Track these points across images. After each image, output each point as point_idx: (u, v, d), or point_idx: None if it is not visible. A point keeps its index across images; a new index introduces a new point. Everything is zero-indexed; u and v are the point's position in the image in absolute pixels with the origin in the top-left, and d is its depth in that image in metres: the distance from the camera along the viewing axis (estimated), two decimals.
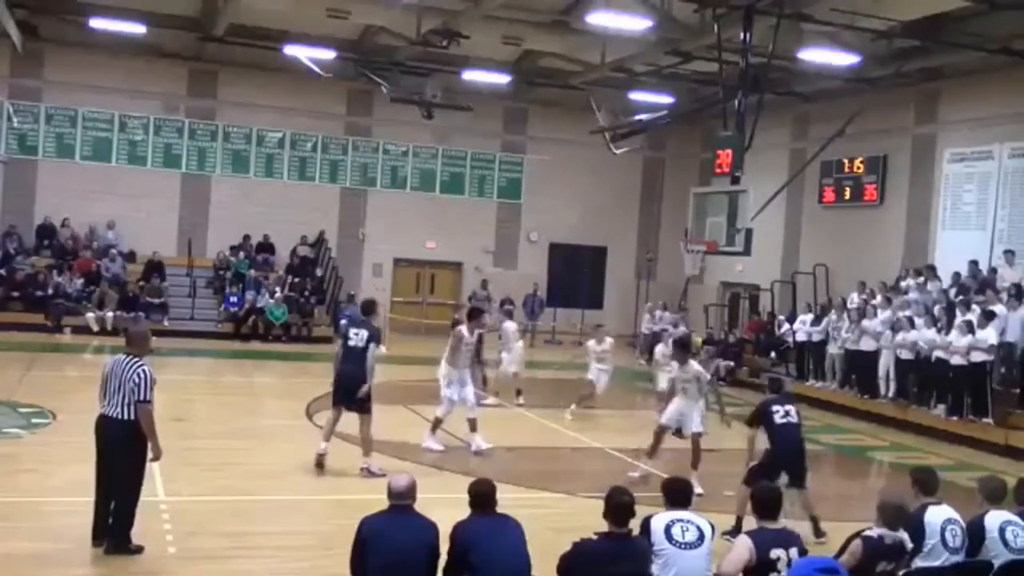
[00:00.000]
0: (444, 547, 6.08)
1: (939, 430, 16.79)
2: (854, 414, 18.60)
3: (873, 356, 18.63)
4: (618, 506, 5.98)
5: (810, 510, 9.81)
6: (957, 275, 19.59)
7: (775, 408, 9.93)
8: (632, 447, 13.30)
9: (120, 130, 26.64)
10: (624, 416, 16.85)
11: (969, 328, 16.18)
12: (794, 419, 9.88)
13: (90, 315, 23.38)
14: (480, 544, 5.98)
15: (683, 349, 12.42)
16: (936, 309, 18.14)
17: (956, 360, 16.38)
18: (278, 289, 25.52)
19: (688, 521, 6.20)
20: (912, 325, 17.60)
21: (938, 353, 16.81)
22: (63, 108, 26.15)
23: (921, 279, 19.81)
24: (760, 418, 9.91)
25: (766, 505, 6.34)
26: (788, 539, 6.12)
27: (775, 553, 5.94)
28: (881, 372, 18.46)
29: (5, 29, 22.33)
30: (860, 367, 19.05)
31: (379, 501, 10.49)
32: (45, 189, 25.93)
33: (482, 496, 6.33)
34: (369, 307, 12.00)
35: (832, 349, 20.08)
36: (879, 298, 19.38)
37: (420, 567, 5.97)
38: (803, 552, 6.03)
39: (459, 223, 29.13)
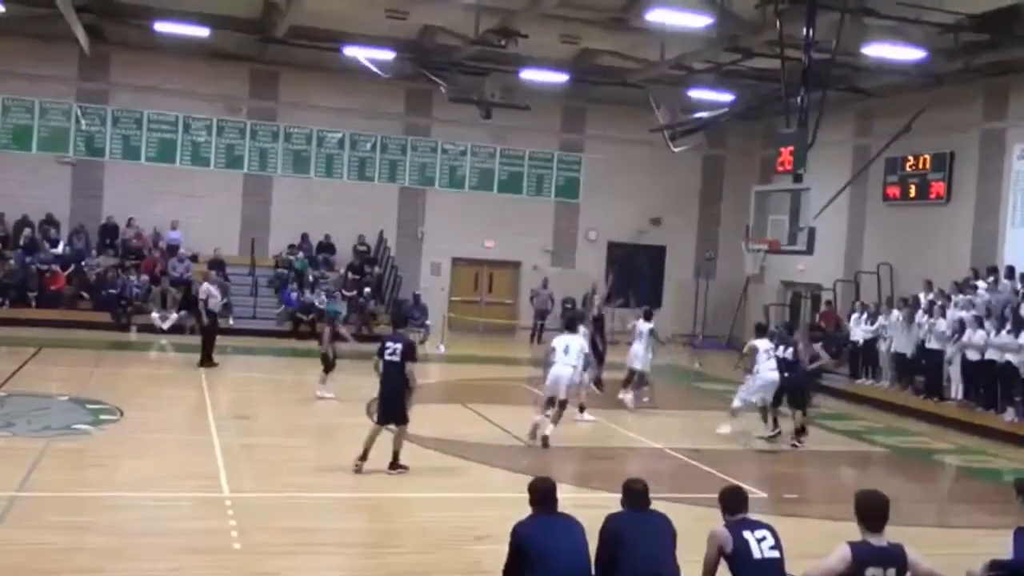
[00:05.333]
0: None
1: (1008, 433, 16.36)
2: (916, 415, 18.23)
3: (939, 356, 18.26)
4: (633, 491, 6.42)
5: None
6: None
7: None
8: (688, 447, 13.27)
9: (184, 131, 27.10)
10: (684, 416, 16.68)
11: None
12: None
13: (155, 314, 23.79)
14: (540, 543, 5.95)
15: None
16: (1007, 310, 17.71)
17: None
18: (338, 289, 25.69)
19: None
20: (980, 325, 17.21)
21: (1008, 356, 16.42)
22: (129, 110, 26.63)
23: (991, 279, 19.37)
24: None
25: (872, 515, 5.67)
26: (889, 557, 5.56)
27: (871, 572, 5.48)
28: (947, 373, 18.08)
29: (73, 33, 22.80)
30: (926, 368, 18.68)
31: (445, 500, 10.57)
32: (111, 190, 26.41)
33: (543, 494, 6.30)
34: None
35: (884, 348, 19.88)
36: (953, 297, 18.99)
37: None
38: (902, 572, 5.56)
39: (517, 222, 29.11)
